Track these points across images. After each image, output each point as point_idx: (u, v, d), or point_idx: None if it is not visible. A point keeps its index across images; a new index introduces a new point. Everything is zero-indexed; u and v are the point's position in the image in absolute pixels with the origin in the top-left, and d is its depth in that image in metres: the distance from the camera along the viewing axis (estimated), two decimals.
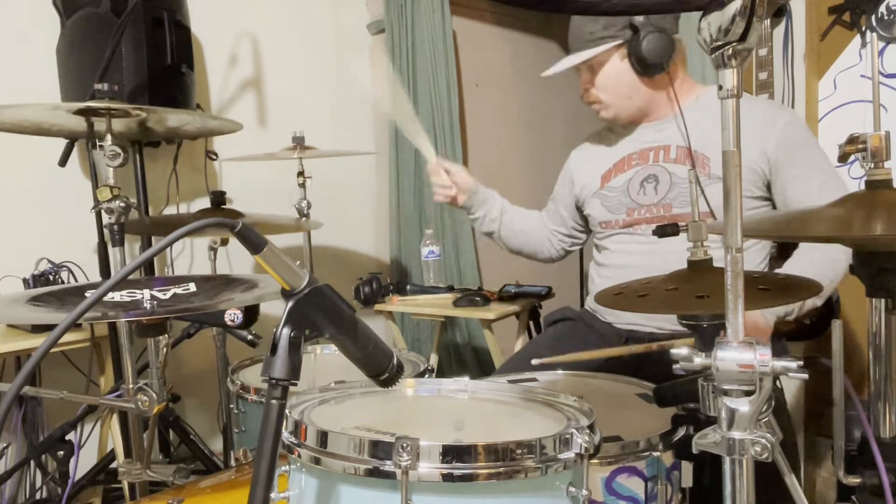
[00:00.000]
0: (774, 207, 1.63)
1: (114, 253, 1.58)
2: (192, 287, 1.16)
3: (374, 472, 0.85)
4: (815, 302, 1.58)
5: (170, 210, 2.53)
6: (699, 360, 0.80)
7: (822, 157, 1.60)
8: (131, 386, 1.45)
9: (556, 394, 1.09)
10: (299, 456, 0.92)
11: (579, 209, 1.87)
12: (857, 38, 2.34)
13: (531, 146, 3.67)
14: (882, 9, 2.26)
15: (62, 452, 1.77)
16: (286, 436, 0.95)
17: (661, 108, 1.72)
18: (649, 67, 1.64)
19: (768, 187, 1.61)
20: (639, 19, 1.60)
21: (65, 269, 2.11)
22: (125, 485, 1.62)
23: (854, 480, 0.99)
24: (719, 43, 0.72)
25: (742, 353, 0.75)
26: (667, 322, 1.63)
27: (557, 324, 1.87)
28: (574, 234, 1.96)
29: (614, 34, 1.64)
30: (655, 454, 1.11)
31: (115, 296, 1.08)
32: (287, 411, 0.96)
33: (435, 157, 1.88)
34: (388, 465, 0.84)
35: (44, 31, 2.20)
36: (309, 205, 2.27)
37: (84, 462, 2.02)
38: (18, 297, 1.17)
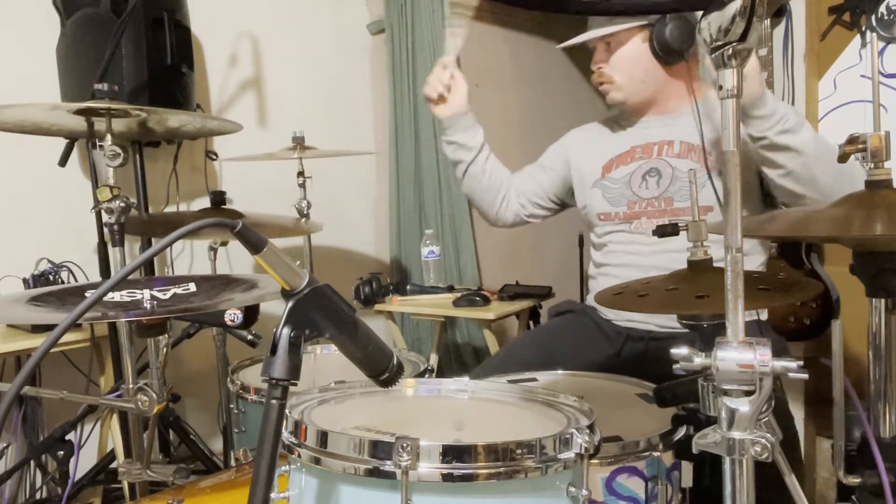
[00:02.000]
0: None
1: (114, 253, 1.58)
2: (192, 287, 1.16)
3: (374, 472, 0.86)
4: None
5: (170, 210, 2.52)
6: (699, 360, 0.80)
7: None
8: (131, 386, 1.44)
9: (556, 394, 1.09)
10: (299, 456, 0.92)
11: (567, 188, 1.85)
12: (857, 38, 2.34)
13: (531, 146, 3.66)
14: (882, 9, 2.26)
15: (62, 452, 1.77)
16: (286, 436, 0.95)
17: (670, 101, 1.70)
18: (670, 54, 1.62)
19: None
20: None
21: (65, 269, 2.11)
22: (125, 485, 1.62)
23: (854, 480, 0.99)
24: (719, 43, 0.72)
25: (742, 353, 0.75)
26: (666, 320, 1.63)
27: (561, 315, 1.87)
28: (540, 207, 1.91)
29: None
30: (655, 454, 1.11)
31: (115, 296, 1.08)
32: (287, 411, 0.96)
33: (455, 55, 1.78)
34: (388, 465, 0.84)
35: (44, 31, 2.20)
36: (309, 205, 2.27)
37: (84, 462, 2.02)
38: (18, 297, 1.17)
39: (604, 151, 1.78)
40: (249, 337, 1.62)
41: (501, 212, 1.91)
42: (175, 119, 1.85)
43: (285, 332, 0.78)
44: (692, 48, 1.63)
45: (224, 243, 2.11)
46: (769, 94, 1.41)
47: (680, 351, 0.81)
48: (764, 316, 1.72)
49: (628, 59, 1.67)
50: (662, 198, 1.66)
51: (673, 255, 1.54)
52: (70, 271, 2.12)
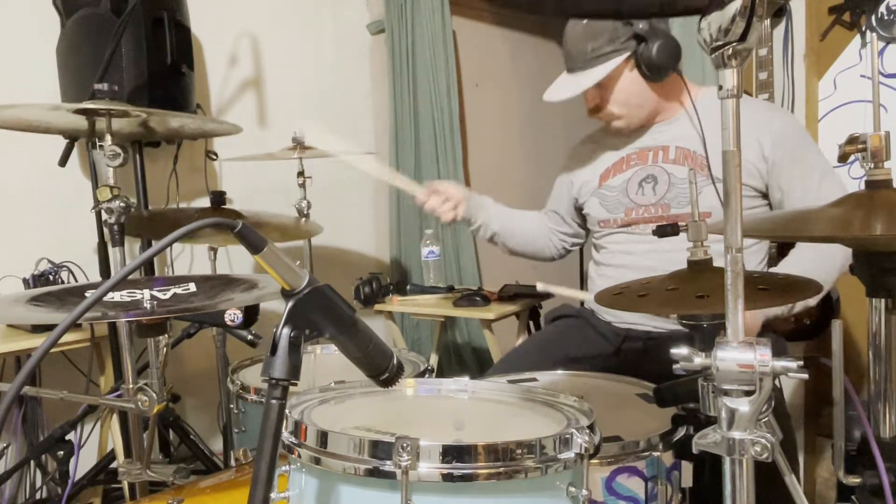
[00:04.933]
0: (770, 208, 1.63)
1: (114, 253, 1.58)
2: (192, 287, 1.16)
3: (374, 472, 0.86)
4: (808, 302, 1.57)
5: (170, 210, 2.52)
6: (699, 360, 0.79)
7: (818, 155, 1.60)
8: (131, 386, 1.45)
9: (556, 394, 1.09)
10: (299, 456, 0.92)
11: (579, 209, 1.87)
12: (857, 38, 2.34)
13: (531, 146, 3.67)
14: (882, 9, 2.26)
15: (62, 452, 1.77)
16: (286, 436, 0.95)
17: (663, 110, 1.71)
18: (661, 73, 1.62)
19: (767, 186, 1.61)
20: (641, 27, 1.59)
21: (65, 269, 2.11)
22: (125, 485, 1.62)
23: (854, 480, 0.99)
24: (719, 43, 0.72)
25: (742, 353, 0.75)
26: (665, 321, 1.63)
27: (558, 320, 1.87)
28: (575, 234, 1.95)
29: (620, 47, 1.61)
30: (655, 454, 1.11)
31: (115, 296, 1.08)
32: (287, 411, 0.96)
33: (420, 186, 1.86)
34: (388, 465, 0.84)
35: (44, 31, 2.20)
36: (309, 205, 2.27)
37: (84, 462, 2.02)
38: (18, 297, 1.17)
39: (600, 161, 1.79)
40: (249, 337, 1.62)
41: (549, 252, 2.00)
42: (176, 120, 1.85)
43: (285, 332, 0.78)
44: (680, 59, 1.64)
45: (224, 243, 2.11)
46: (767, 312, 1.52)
47: (680, 351, 0.81)
48: None
49: (622, 91, 1.67)
50: (660, 205, 1.66)
51: (671, 256, 1.54)
52: (70, 271, 2.12)
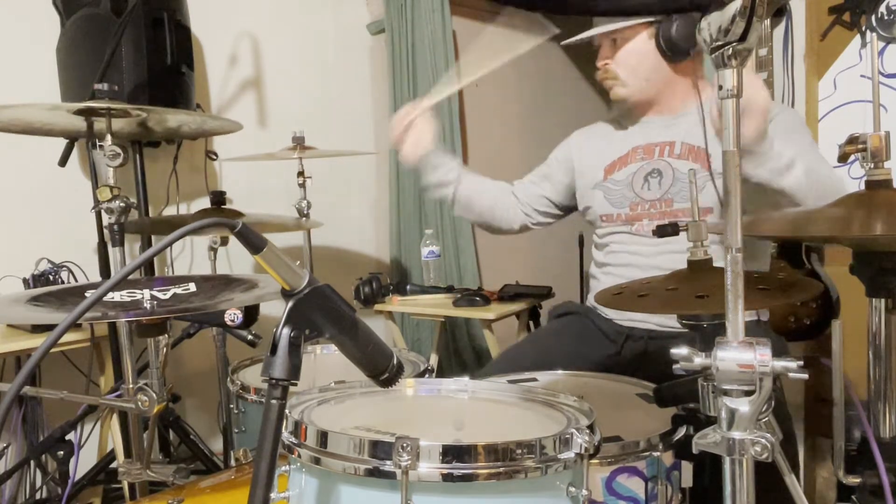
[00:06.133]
0: None
1: (114, 253, 1.58)
2: (192, 287, 1.16)
3: (374, 472, 0.85)
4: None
5: (170, 210, 2.53)
6: (699, 360, 0.80)
7: (813, 144, 1.58)
8: (131, 386, 1.45)
9: (556, 394, 1.09)
10: (299, 456, 0.92)
11: (573, 195, 1.85)
12: (857, 38, 2.34)
13: (531, 146, 3.67)
14: (882, 9, 2.26)
15: (62, 452, 1.77)
16: (286, 436, 0.95)
17: (673, 100, 1.70)
18: (675, 51, 1.62)
19: None
20: None
21: (65, 269, 2.11)
22: (125, 485, 1.62)
23: (854, 480, 0.99)
24: (719, 43, 0.72)
25: (742, 353, 0.75)
26: (667, 320, 1.63)
27: (561, 317, 1.87)
28: (547, 215, 1.91)
29: None
30: (655, 454, 1.11)
31: (115, 296, 1.08)
32: (287, 411, 0.96)
33: (432, 103, 1.71)
34: (388, 465, 0.84)
35: (44, 31, 2.20)
36: (309, 205, 2.27)
37: (84, 462, 2.02)
38: (18, 297, 1.17)
39: (605, 153, 1.78)
40: (249, 337, 1.62)
41: (507, 224, 1.92)
42: (174, 119, 1.85)
43: (285, 332, 0.78)
44: (698, 46, 1.63)
45: (224, 243, 2.11)
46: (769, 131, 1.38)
47: (680, 351, 0.81)
48: (764, 317, 1.72)
49: (634, 55, 1.66)
50: (663, 199, 1.66)
51: (675, 256, 1.54)
52: (70, 271, 2.12)
